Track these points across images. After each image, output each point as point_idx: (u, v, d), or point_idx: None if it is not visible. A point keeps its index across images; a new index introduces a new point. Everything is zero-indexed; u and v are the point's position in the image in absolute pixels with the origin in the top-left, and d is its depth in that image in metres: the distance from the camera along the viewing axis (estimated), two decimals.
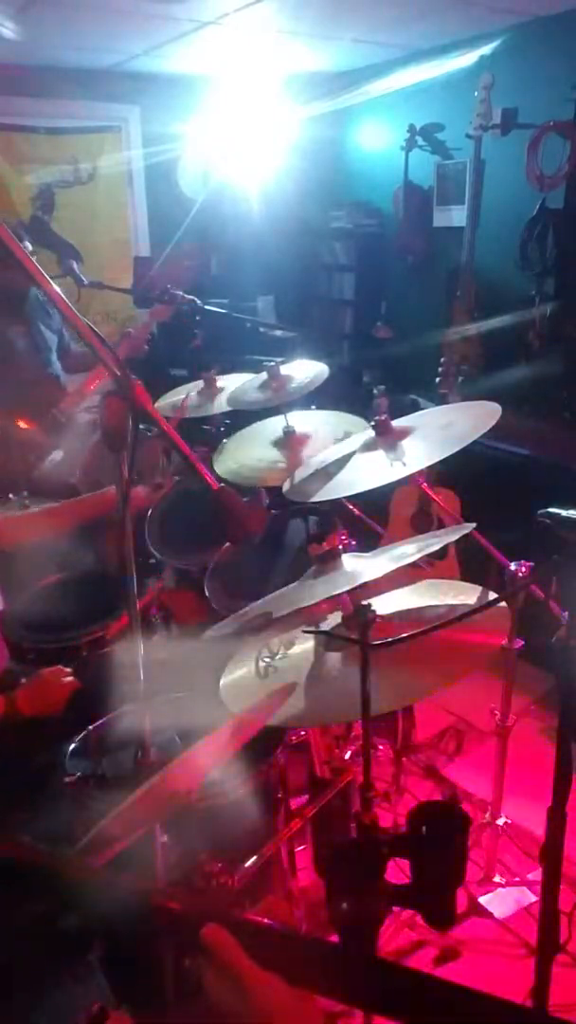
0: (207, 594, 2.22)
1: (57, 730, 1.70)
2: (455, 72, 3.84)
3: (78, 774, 1.58)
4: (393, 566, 1.34)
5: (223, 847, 1.44)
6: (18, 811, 1.58)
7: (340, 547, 1.45)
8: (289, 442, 2.23)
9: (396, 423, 1.78)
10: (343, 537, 1.51)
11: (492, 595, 1.46)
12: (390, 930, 2.01)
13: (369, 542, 2.47)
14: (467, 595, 1.50)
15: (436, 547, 1.45)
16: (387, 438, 1.75)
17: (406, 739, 2.65)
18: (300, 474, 1.91)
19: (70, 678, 1.74)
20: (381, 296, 4.62)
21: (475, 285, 3.67)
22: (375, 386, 4.16)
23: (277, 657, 1.44)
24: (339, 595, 1.40)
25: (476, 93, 3.39)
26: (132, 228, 4.73)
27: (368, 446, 1.77)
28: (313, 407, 2.46)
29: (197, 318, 2.49)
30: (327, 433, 2.19)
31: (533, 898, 2.14)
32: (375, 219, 4.55)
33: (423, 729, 2.80)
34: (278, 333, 4.47)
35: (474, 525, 1.57)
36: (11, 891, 0.72)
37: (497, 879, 2.23)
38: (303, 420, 2.28)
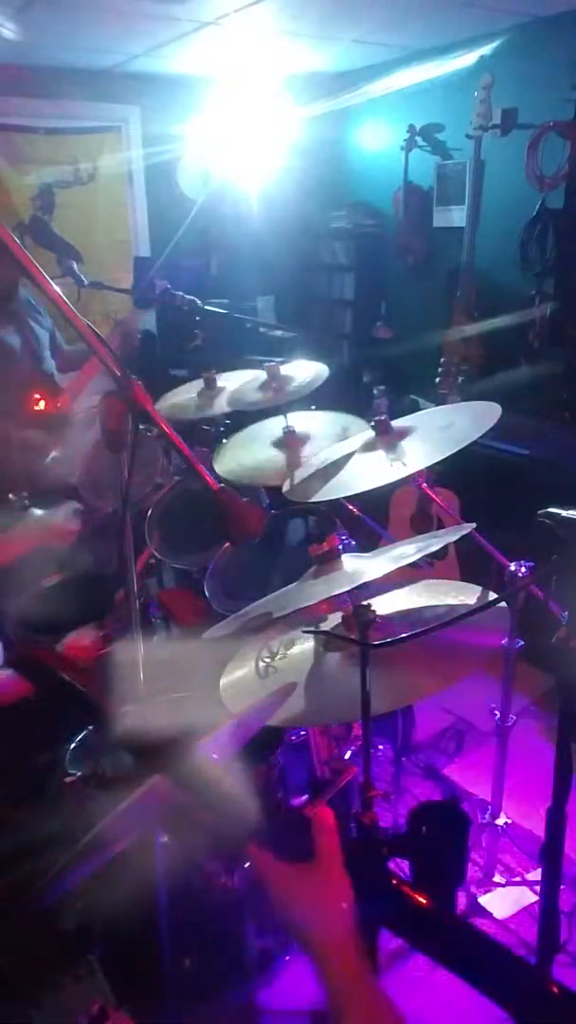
0: (207, 594, 2.22)
1: (57, 730, 1.71)
2: (455, 72, 3.84)
3: (78, 774, 1.59)
4: (393, 566, 1.34)
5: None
6: (18, 811, 1.58)
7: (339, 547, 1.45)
8: (289, 442, 2.22)
9: (396, 423, 1.78)
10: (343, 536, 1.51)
11: (492, 595, 1.45)
12: None
13: (369, 542, 2.47)
14: (467, 595, 1.50)
15: (436, 547, 1.44)
16: (387, 438, 1.75)
17: (406, 739, 2.66)
18: (300, 474, 1.91)
19: None
20: (381, 296, 4.62)
21: (475, 285, 3.67)
22: (375, 386, 4.17)
23: (277, 657, 1.44)
24: (339, 595, 1.39)
25: (476, 93, 3.39)
26: (132, 228, 4.72)
27: (368, 446, 1.77)
28: (313, 407, 2.46)
29: (197, 318, 2.48)
30: (327, 433, 2.18)
31: (533, 898, 2.14)
32: (375, 219, 4.55)
33: (423, 729, 2.80)
34: (278, 333, 4.46)
35: (474, 525, 1.56)
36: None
37: (497, 879, 2.23)
38: (303, 420, 2.28)
